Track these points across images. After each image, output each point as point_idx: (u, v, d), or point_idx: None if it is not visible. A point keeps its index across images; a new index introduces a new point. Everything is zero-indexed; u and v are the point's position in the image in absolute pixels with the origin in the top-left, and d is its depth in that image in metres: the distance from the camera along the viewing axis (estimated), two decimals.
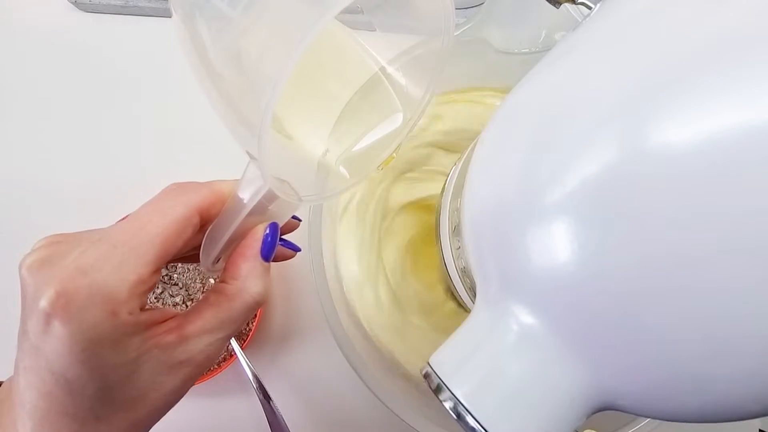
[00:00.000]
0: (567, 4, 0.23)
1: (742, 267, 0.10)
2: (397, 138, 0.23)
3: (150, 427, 0.19)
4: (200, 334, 0.18)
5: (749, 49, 0.10)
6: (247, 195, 0.19)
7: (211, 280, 0.36)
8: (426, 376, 0.15)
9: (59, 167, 0.39)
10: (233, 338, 0.34)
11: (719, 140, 0.10)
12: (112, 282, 0.16)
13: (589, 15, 0.16)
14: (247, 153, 0.17)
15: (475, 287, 0.17)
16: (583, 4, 0.21)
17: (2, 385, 0.19)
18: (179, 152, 0.40)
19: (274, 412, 0.33)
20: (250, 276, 0.20)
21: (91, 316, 0.16)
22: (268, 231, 0.20)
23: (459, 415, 0.14)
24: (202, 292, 0.35)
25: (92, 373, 0.16)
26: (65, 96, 0.41)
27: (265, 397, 0.33)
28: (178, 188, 0.19)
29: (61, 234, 0.18)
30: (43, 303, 0.15)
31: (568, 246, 0.12)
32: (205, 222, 0.19)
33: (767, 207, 0.10)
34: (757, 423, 0.36)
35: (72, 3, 0.42)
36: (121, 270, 0.16)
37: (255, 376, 0.33)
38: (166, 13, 0.42)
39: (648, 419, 0.26)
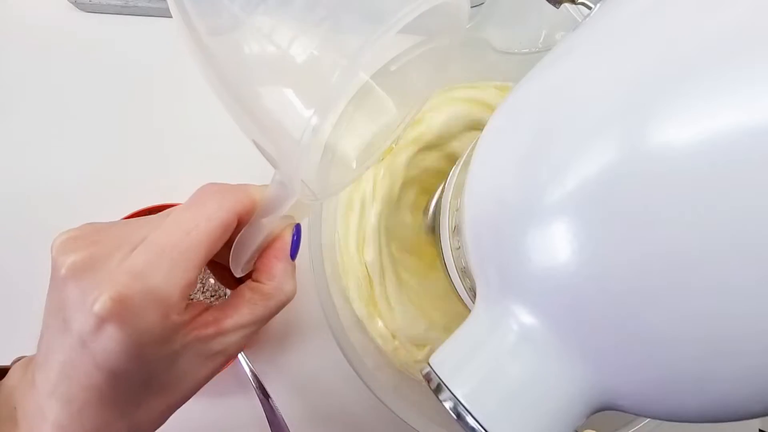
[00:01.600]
0: (567, 4, 0.23)
1: (741, 266, 0.10)
2: (396, 131, 0.24)
3: (177, 409, 0.19)
4: (236, 328, 0.20)
5: (749, 49, 0.10)
6: (277, 204, 0.19)
7: (211, 280, 0.36)
8: (426, 376, 0.15)
9: (59, 166, 0.39)
10: None
11: (720, 140, 0.10)
12: (165, 288, 0.17)
13: (589, 15, 0.16)
14: (255, 144, 0.17)
15: (475, 287, 0.17)
16: (583, 4, 0.21)
17: (11, 371, 0.19)
18: (180, 151, 0.40)
19: (274, 411, 0.33)
20: (283, 276, 0.21)
21: (144, 320, 0.16)
22: (294, 232, 0.22)
23: (459, 415, 0.14)
24: (202, 292, 0.35)
25: (140, 367, 0.17)
26: (65, 96, 0.41)
27: (265, 396, 0.33)
28: (218, 191, 0.19)
29: (87, 228, 0.18)
30: (97, 307, 0.15)
31: (569, 246, 0.12)
32: (239, 225, 0.20)
33: (767, 206, 0.10)
34: (757, 423, 0.36)
35: (72, 3, 0.42)
36: (172, 275, 0.17)
37: (254, 376, 0.33)
38: (167, 13, 0.42)
39: (648, 419, 0.26)
